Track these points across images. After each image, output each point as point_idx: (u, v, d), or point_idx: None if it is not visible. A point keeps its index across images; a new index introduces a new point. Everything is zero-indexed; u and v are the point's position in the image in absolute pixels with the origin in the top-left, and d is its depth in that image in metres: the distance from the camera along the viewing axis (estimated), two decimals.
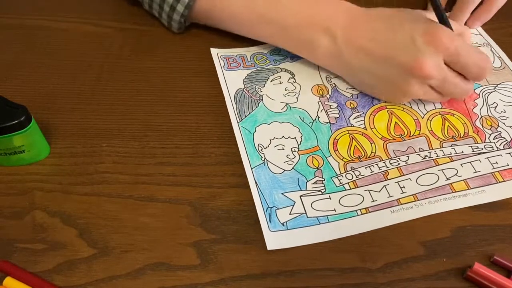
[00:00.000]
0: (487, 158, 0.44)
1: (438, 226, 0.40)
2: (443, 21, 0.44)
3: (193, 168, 0.44)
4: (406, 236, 0.40)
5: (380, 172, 0.43)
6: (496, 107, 0.48)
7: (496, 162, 0.44)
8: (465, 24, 0.55)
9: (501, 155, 0.44)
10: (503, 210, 0.41)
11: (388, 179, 0.43)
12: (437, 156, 0.45)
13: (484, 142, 0.45)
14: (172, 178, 0.43)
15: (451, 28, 0.44)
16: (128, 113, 0.48)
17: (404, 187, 0.42)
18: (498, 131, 0.46)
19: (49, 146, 0.45)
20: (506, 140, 0.46)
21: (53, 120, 0.47)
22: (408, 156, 0.45)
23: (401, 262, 0.38)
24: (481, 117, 0.48)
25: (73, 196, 0.42)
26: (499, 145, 0.45)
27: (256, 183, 0.43)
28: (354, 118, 0.48)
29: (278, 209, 0.41)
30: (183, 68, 0.52)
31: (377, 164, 0.44)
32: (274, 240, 0.39)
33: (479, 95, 0.50)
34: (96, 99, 0.49)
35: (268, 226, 0.40)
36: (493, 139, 0.46)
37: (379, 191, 0.42)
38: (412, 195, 0.42)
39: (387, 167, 0.44)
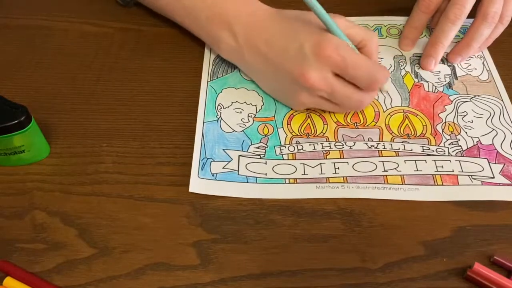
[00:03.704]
0: (434, 160, 0.44)
1: (438, 226, 0.40)
2: (331, 31, 0.43)
3: None
4: (406, 236, 0.40)
5: (322, 151, 0.45)
6: (465, 116, 0.48)
7: (442, 166, 0.44)
8: (446, 58, 0.53)
9: (450, 160, 0.44)
10: (503, 210, 0.41)
11: (326, 159, 0.44)
12: (384, 148, 0.45)
13: (437, 146, 0.45)
14: (172, 178, 0.43)
15: (344, 38, 0.43)
16: (128, 113, 0.48)
17: (338, 168, 0.43)
18: (456, 138, 0.46)
19: (49, 146, 0.45)
20: (461, 149, 0.45)
21: (53, 120, 0.47)
22: (354, 143, 0.45)
23: (401, 262, 0.38)
24: (445, 122, 0.47)
25: (73, 196, 0.42)
26: (452, 152, 0.45)
27: (202, 135, 0.45)
28: None
29: (214, 161, 0.44)
30: (183, 68, 0.52)
31: (321, 143, 0.45)
32: (199, 185, 0.42)
33: (452, 102, 0.49)
34: (96, 99, 0.49)
35: (198, 173, 0.43)
36: (448, 144, 0.45)
37: (313, 167, 0.43)
38: (343, 177, 0.43)
39: (330, 148, 0.45)
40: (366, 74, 0.42)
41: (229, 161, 0.44)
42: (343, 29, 0.44)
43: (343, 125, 0.47)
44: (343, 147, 0.45)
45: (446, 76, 0.52)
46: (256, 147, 0.45)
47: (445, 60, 0.53)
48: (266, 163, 0.44)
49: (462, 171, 0.43)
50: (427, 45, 0.52)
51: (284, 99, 0.48)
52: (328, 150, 0.45)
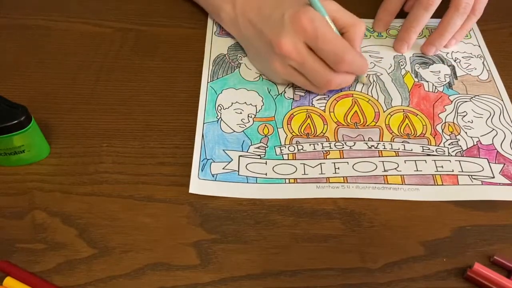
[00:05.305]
0: (434, 160, 0.44)
1: (438, 226, 0.40)
2: (313, 6, 0.44)
3: None
4: (406, 236, 0.40)
5: (322, 151, 0.45)
6: (465, 116, 0.48)
7: (442, 166, 0.44)
8: (420, 50, 0.54)
9: (449, 160, 0.44)
10: (503, 210, 0.41)
11: (326, 159, 0.44)
12: (384, 148, 0.45)
13: (437, 146, 0.45)
14: (172, 178, 0.43)
15: (325, 15, 0.45)
16: (128, 113, 0.48)
17: (338, 168, 0.43)
18: (456, 139, 0.46)
19: (49, 146, 0.45)
20: (461, 149, 0.45)
21: (53, 120, 0.47)
22: (354, 143, 0.46)
23: (401, 262, 0.38)
24: (445, 122, 0.47)
25: (73, 196, 0.42)
26: (452, 152, 0.45)
27: (202, 136, 0.45)
28: (317, 100, 0.49)
29: (214, 162, 0.44)
30: (183, 68, 0.52)
31: (321, 143, 0.45)
32: (199, 186, 0.42)
33: (452, 102, 0.49)
34: (96, 99, 0.49)
35: (198, 174, 0.43)
36: (448, 144, 0.45)
37: (313, 167, 0.44)
38: (343, 177, 0.43)
39: (330, 148, 0.45)
40: (333, 50, 0.43)
41: (229, 162, 0.44)
42: (328, 10, 0.45)
43: (343, 125, 0.47)
44: (343, 147, 0.45)
45: (446, 76, 0.52)
46: (256, 147, 0.45)
47: (444, 60, 0.53)
48: (266, 163, 0.44)
49: (462, 171, 0.43)
50: (400, 29, 0.54)
51: (265, 69, 0.50)
52: (328, 150, 0.45)
